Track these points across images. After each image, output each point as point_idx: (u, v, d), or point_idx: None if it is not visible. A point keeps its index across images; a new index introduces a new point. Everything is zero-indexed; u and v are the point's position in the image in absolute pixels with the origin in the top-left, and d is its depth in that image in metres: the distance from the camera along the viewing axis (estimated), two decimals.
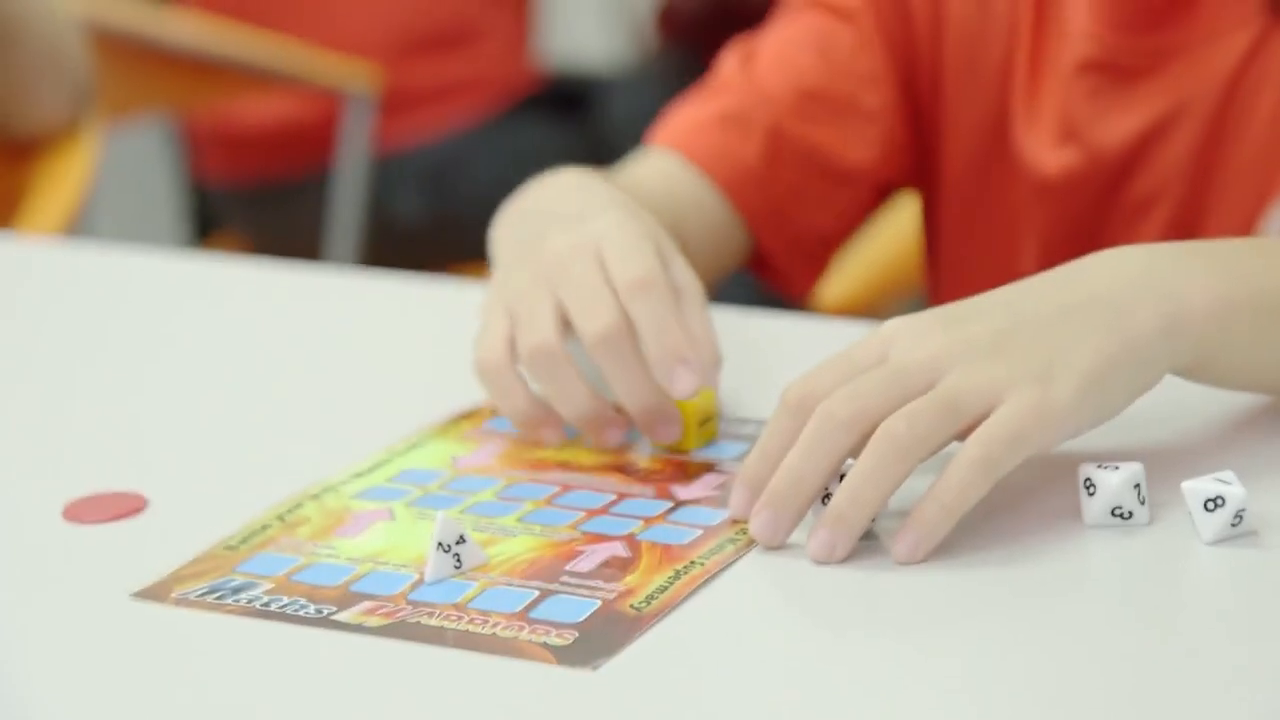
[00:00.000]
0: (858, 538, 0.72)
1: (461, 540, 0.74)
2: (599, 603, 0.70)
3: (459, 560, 0.73)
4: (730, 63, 1.09)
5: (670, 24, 3.15)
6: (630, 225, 0.85)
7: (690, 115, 1.08)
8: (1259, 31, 0.95)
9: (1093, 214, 1.02)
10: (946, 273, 1.12)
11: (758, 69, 1.07)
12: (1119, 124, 1.00)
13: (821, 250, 1.10)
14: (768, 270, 1.10)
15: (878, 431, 0.72)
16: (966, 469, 0.71)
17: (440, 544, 0.73)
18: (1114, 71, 0.99)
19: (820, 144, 1.06)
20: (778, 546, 0.73)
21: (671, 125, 1.09)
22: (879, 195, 1.10)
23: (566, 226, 0.86)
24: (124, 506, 0.82)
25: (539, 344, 0.82)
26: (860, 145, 1.06)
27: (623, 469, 0.82)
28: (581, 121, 2.41)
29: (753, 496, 0.74)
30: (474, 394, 0.92)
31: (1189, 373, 0.77)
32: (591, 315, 0.82)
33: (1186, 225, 0.99)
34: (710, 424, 0.84)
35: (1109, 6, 0.99)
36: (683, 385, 0.81)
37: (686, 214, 1.04)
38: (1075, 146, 1.01)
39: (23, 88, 1.61)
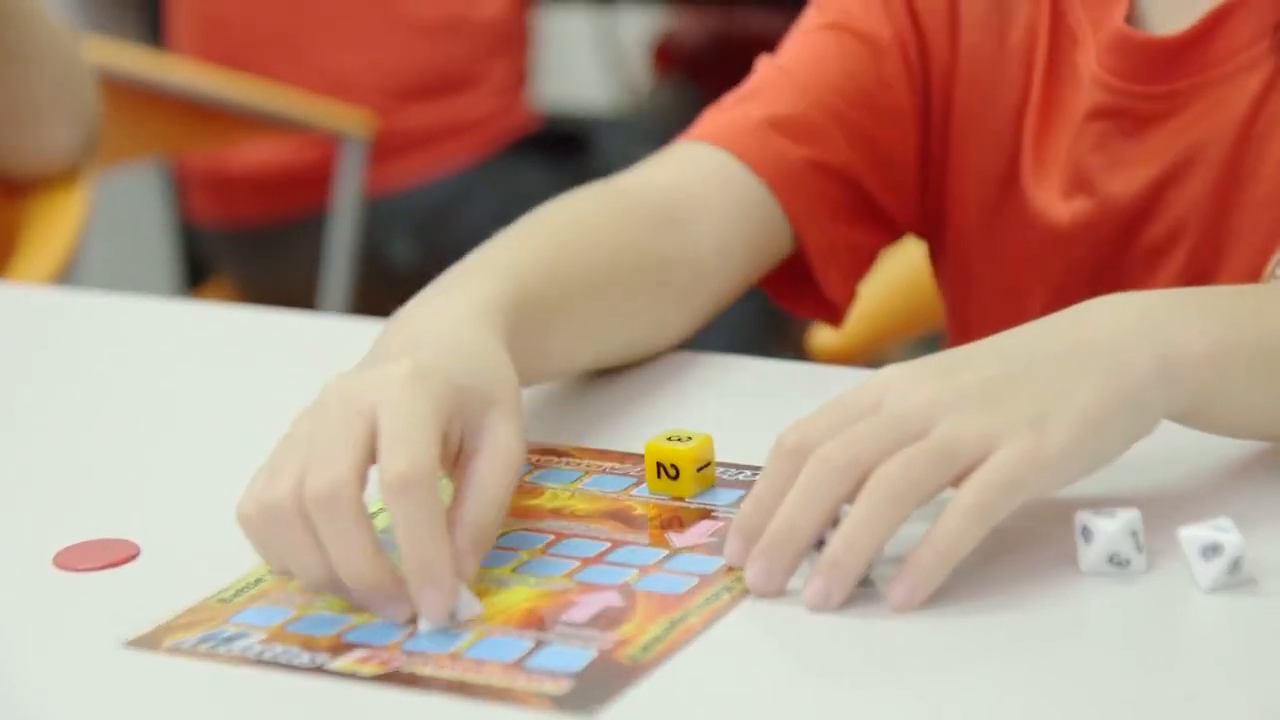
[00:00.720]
0: (853, 585, 0.72)
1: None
2: (595, 653, 0.70)
3: (454, 611, 0.73)
4: (766, 70, 1.07)
5: (668, 58, 3.16)
6: (417, 393, 0.75)
7: (736, 116, 1.06)
8: (1270, 73, 0.95)
9: (1105, 262, 1.02)
10: (954, 319, 1.11)
11: (797, 76, 1.05)
12: (1131, 173, 0.99)
13: (856, 265, 1.08)
14: (800, 280, 1.07)
15: (872, 478, 0.72)
16: (961, 516, 0.71)
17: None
18: (1125, 119, 0.99)
19: (854, 163, 1.05)
20: (774, 595, 0.73)
21: (715, 123, 1.06)
22: (892, 232, 1.09)
23: (358, 374, 0.79)
24: (115, 554, 0.82)
25: (271, 500, 0.74)
26: (879, 172, 1.06)
27: (618, 515, 0.82)
28: (575, 164, 2.41)
29: (748, 544, 0.74)
30: None
31: (1185, 418, 0.77)
32: (318, 477, 0.73)
33: (1201, 269, 0.99)
34: (707, 470, 0.84)
35: (1119, 53, 0.98)
36: (428, 607, 0.72)
37: (732, 210, 1.02)
38: (1086, 196, 1.01)
39: (34, 114, 1.61)
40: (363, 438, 0.74)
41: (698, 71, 3.10)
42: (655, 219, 1.01)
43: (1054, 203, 1.02)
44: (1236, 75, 0.96)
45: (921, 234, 1.11)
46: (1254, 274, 0.97)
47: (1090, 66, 0.99)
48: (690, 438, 0.83)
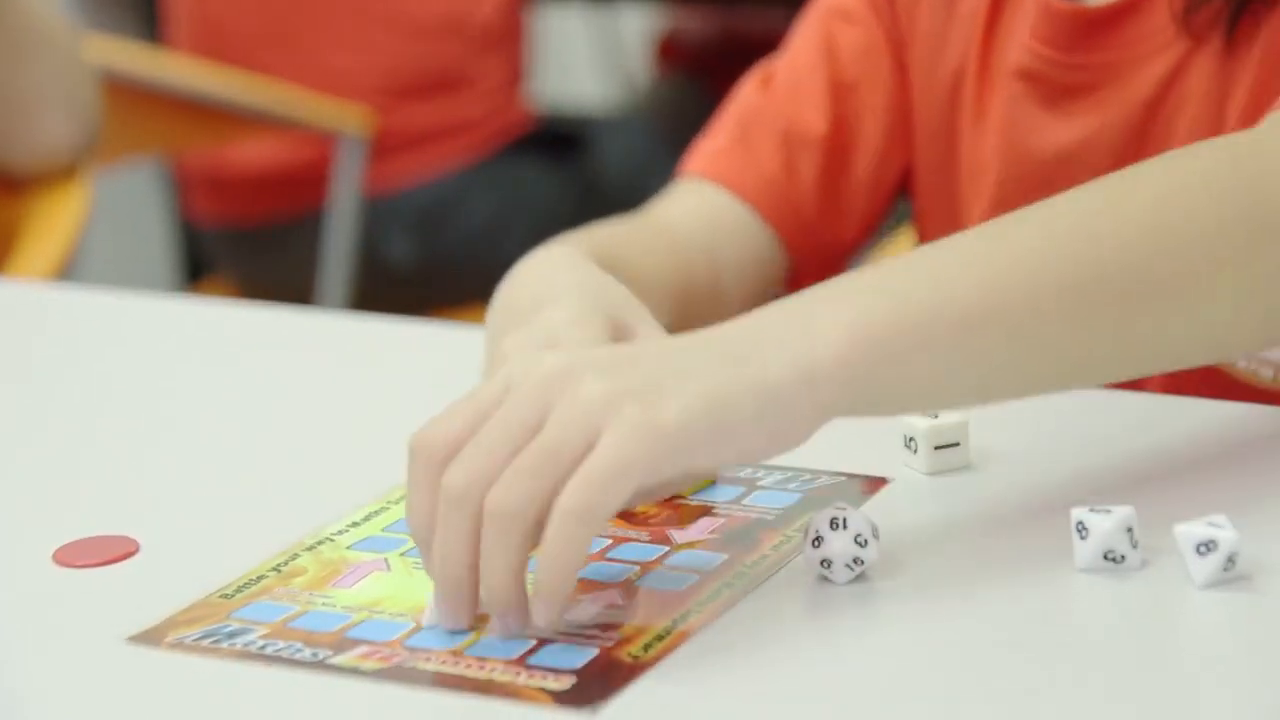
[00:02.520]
0: (518, 608, 0.70)
1: None
2: (597, 650, 0.70)
3: None
4: (748, 86, 1.13)
5: (671, 54, 3.17)
6: (583, 335, 0.80)
7: (712, 142, 1.12)
8: (1179, 56, 0.96)
9: None
10: None
11: (774, 87, 1.12)
12: (1045, 137, 1.01)
13: (840, 260, 1.13)
14: (796, 286, 1.11)
15: (485, 509, 0.69)
16: (561, 524, 0.68)
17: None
18: (1043, 85, 1.01)
19: (829, 137, 1.09)
20: (464, 628, 0.71)
21: (697, 155, 1.13)
22: (888, 196, 1.13)
23: (519, 332, 0.82)
24: (115, 551, 0.82)
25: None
26: (868, 142, 1.10)
27: (619, 513, 0.82)
28: (573, 163, 2.41)
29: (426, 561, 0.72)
30: None
31: (859, 412, 0.74)
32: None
33: None
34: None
35: (1043, 21, 1.01)
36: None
37: (721, 239, 1.08)
38: (1010, 153, 1.03)
39: (30, 108, 1.61)
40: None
41: (700, 69, 3.11)
42: (685, 248, 1.06)
43: (985, 163, 1.05)
44: (1149, 56, 0.97)
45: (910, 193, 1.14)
46: None
47: (1021, 30, 1.02)
48: None
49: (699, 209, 1.10)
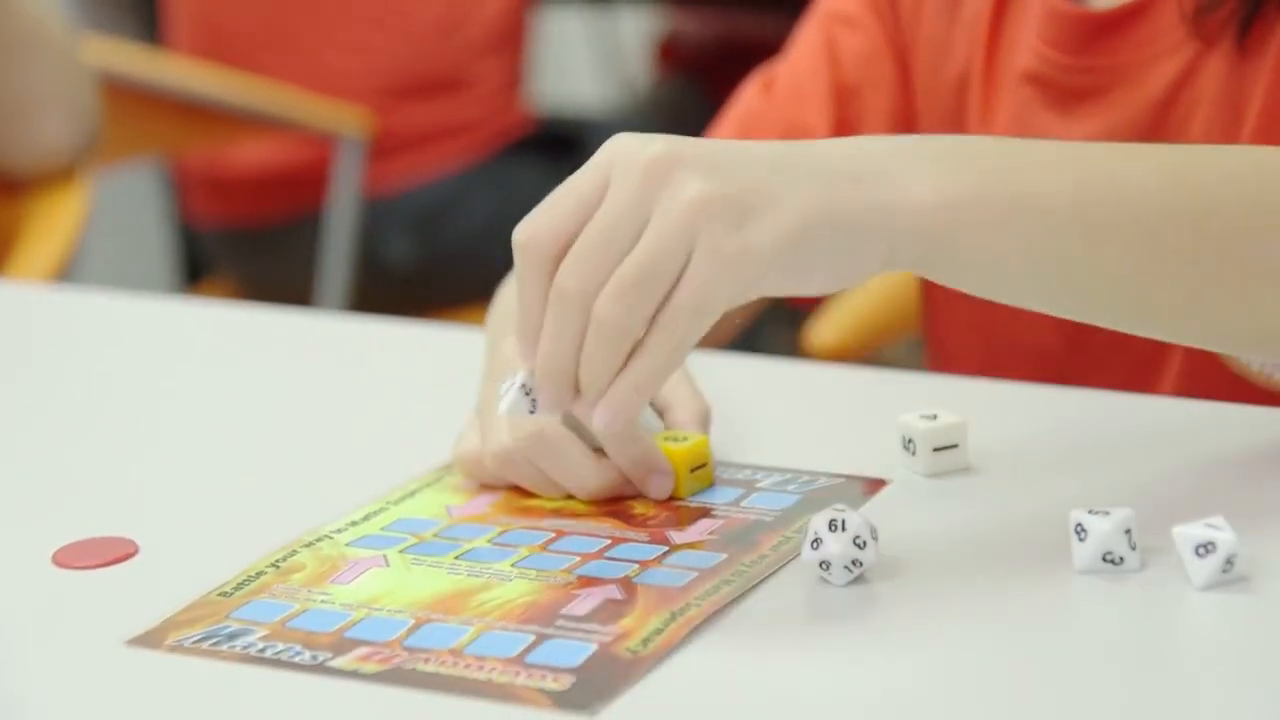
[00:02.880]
0: (627, 413, 0.73)
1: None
2: (595, 646, 0.70)
3: (534, 405, 0.75)
4: (750, 90, 1.13)
5: (671, 55, 3.17)
6: None
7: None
8: (1190, 58, 0.96)
9: None
10: (927, 291, 1.13)
11: (776, 90, 1.12)
12: (1057, 139, 1.01)
13: None
14: None
15: (591, 320, 0.72)
16: (655, 350, 0.72)
17: (523, 385, 0.75)
18: (1051, 88, 1.01)
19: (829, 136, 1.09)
20: (564, 409, 0.75)
21: None
22: None
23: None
24: (115, 552, 0.82)
25: (497, 451, 0.83)
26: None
27: (618, 515, 0.82)
28: (572, 164, 2.40)
29: (530, 348, 0.75)
30: None
31: (919, 266, 0.75)
32: (513, 428, 0.82)
33: None
34: (704, 470, 0.84)
35: (1050, 24, 1.01)
36: (657, 489, 0.82)
37: None
38: None
39: (26, 108, 1.61)
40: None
41: (700, 71, 3.11)
42: None
43: None
44: (1159, 57, 0.97)
45: None
46: None
47: (1028, 33, 1.02)
48: (685, 438, 0.84)
49: None
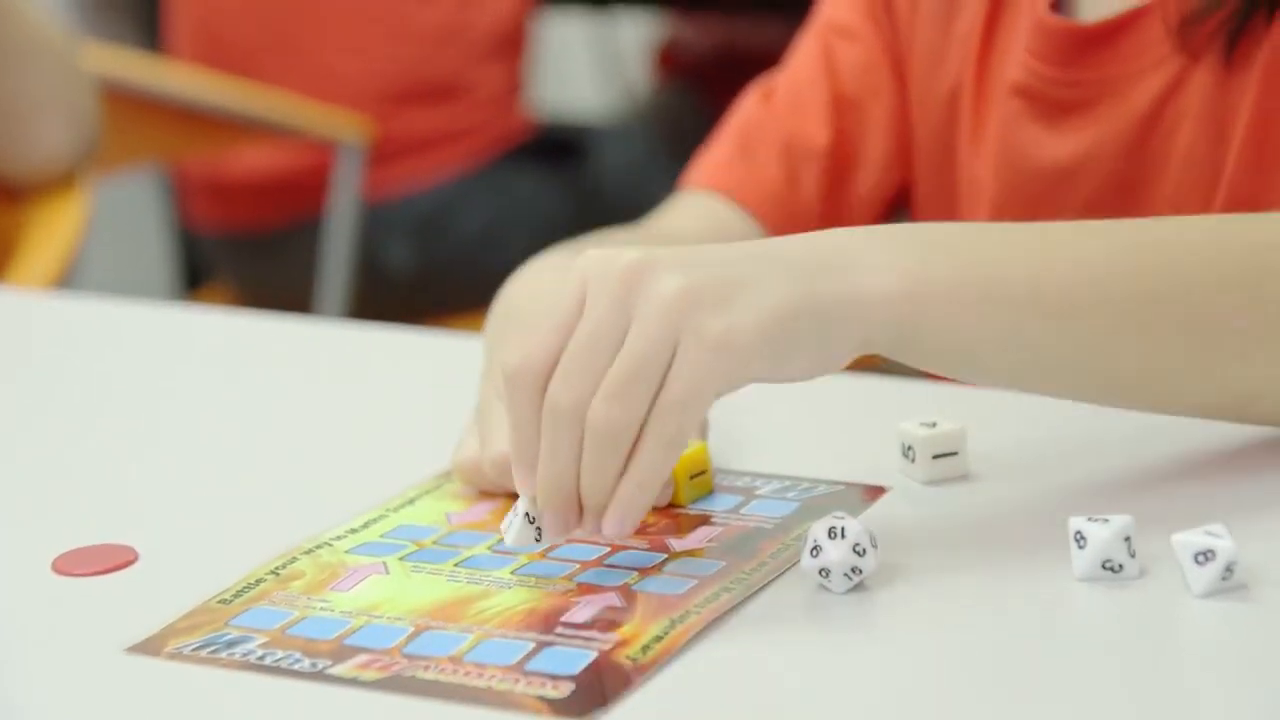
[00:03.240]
0: (637, 515, 0.74)
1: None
2: (595, 653, 0.70)
3: (539, 534, 0.76)
4: (749, 101, 1.14)
5: (670, 62, 3.17)
6: None
7: (714, 155, 1.13)
8: (1176, 71, 0.96)
9: None
10: None
11: (775, 100, 1.13)
12: (1043, 153, 1.01)
13: None
14: None
15: (587, 428, 0.73)
16: (652, 448, 0.73)
17: (527, 514, 0.76)
18: (1039, 101, 1.01)
19: (830, 149, 1.10)
20: (569, 535, 0.76)
21: (699, 167, 1.14)
22: (888, 210, 1.14)
23: (520, 334, 0.86)
24: (114, 559, 0.82)
25: (496, 457, 0.83)
26: (870, 156, 1.11)
27: None
28: (572, 171, 2.42)
29: (526, 473, 0.76)
30: None
31: (893, 351, 0.76)
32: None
33: None
34: (703, 478, 0.84)
35: (1038, 38, 1.01)
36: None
37: None
38: (1007, 170, 1.03)
39: (25, 114, 1.61)
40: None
41: (700, 78, 3.11)
42: None
43: (983, 180, 1.05)
44: (1145, 71, 0.97)
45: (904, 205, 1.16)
46: None
47: (1017, 46, 1.02)
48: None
49: (701, 218, 1.10)
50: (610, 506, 0.74)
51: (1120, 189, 0.99)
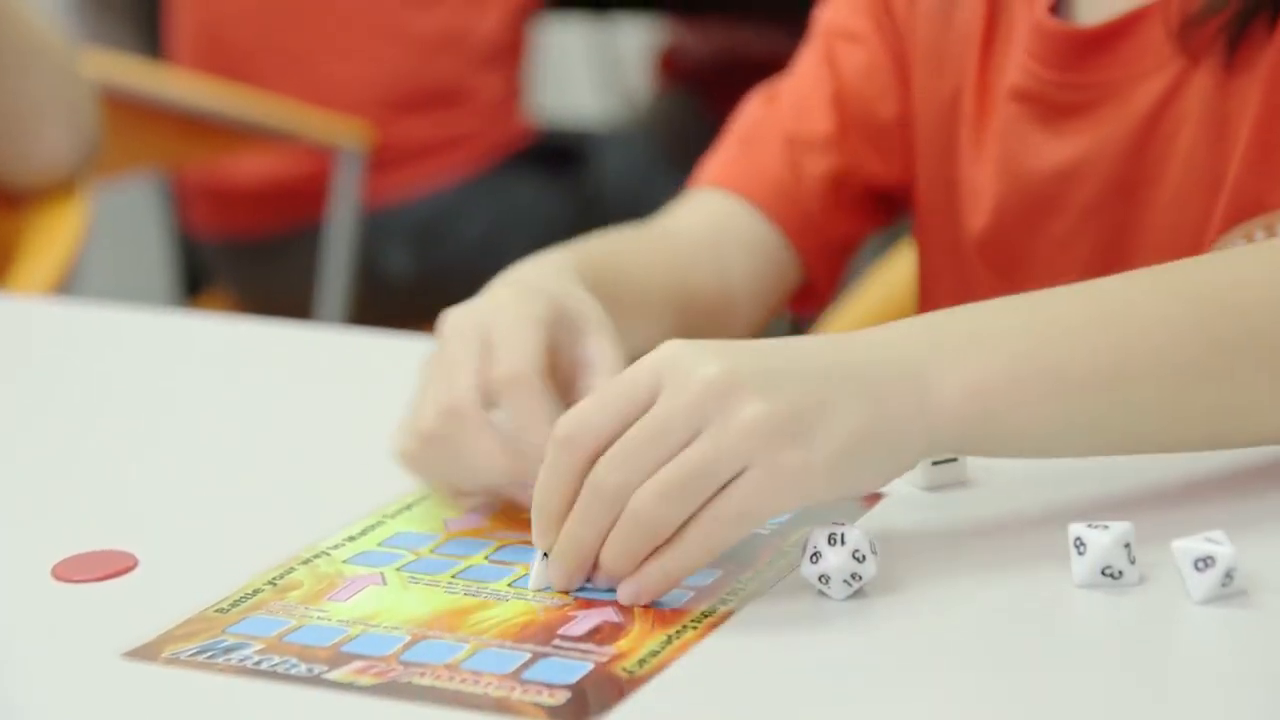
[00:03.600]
0: (649, 588, 0.74)
1: None
2: (592, 665, 0.70)
3: None
4: (753, 103, 1.15)
5: (672, 67, 3.17)
6: (522, 305, 0.85)
7: (718, 155, 1.14)
8: (1177, 74, 0.96)
9: (1016, 252, 1.04)
10: (925, 304, 1.13)
11: (779, 101, 1.13)
12: (1043, 156, 1.01)
13: (845, 257, 1.15)
14: (808, 286, 1.14)
15: (627, 508, 0.73)
16: (692, 544, 0.73)
17: (546, 554, 0.76)
18: (1040, 104, 1.01)
19: (832, 139, 1.11)
20: (574, 588, 0.76)
21: (704, 169, 1.14)
22: (890, 206, 1.14)
23: (468, 305, 0.87)
24: (114, 565, 0.82)
25: (421, 429, 0.83)
26: (873, 152, 1.11)
27: None
28: (571, 178, 2.42)
29: (545, 531, 0.76)
30: None
31: (959, 449, 0.78)
32: (440, 397, 0.83)
33: (1105, 267, 1.00)
34: None
35: (1039, 40, 1.01)
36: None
37: (728, 243, 1.10)
38: (1006, 176, 1.03)
39: (25, 121, 1.61)
40: (481, 350, 0.81)
41: (701, 84, 3.11)
42: (689, 255, 1.08)
43: (984, 185, 1.05)
44: (1145, 74, 0.97)
45: (907, 208, 1.16)
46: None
47: (1017, 49, 1.02)
48: None
49: (705, 215, 1.11)
50: (632, 579, 0.74)
51: (1120, 192, 0.99)
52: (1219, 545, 0.71)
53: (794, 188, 1.10)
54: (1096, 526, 0.73)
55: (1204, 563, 0.71)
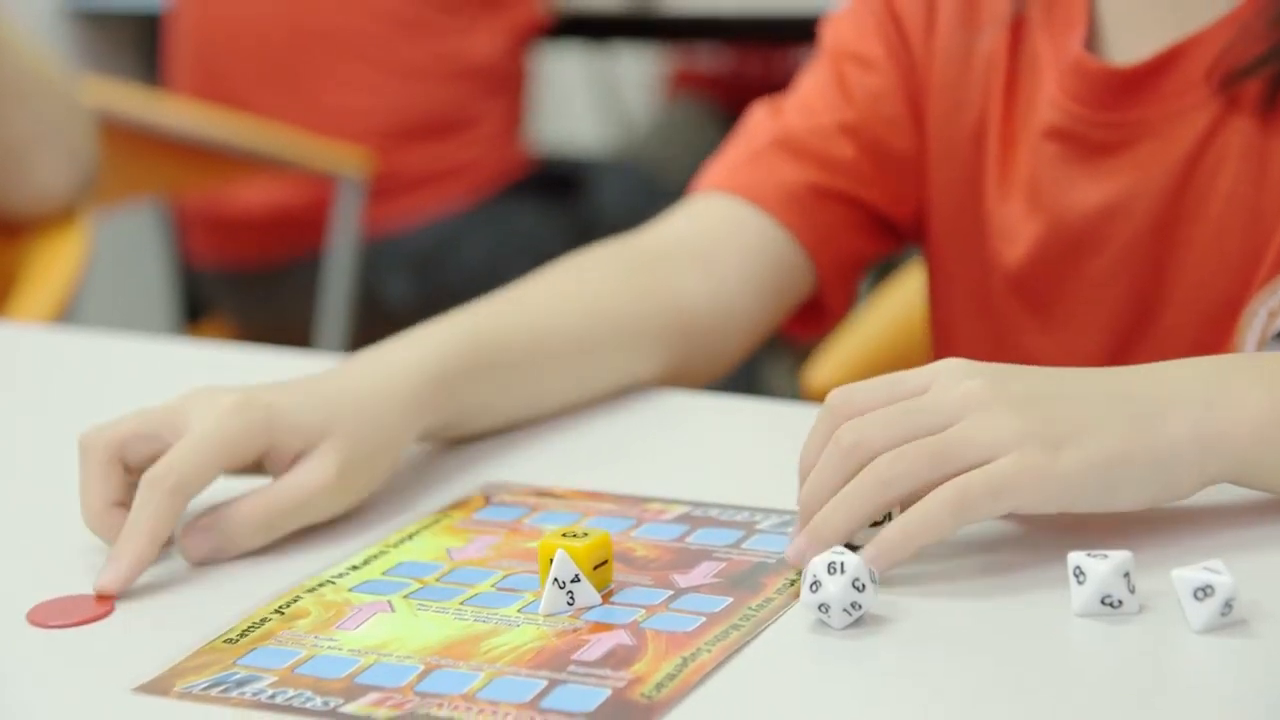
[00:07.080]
0: (825, 549, 0.75)
1: (576, 579, 0.77)
2: (609, 691, 0.70)
3: (572, 598, 0.76)
4: (758, 114, 1.14)
5: (686, 78, 3.19)
6: (225, 420, 0.87)
7: (729, 159, 1.12)
8: (1216, 113, 0.96)
9: (1052, 289, 1.04)
10: (940, 334, 1.13)
11: (787, 114, 1.12)
12: (1082, 195, 1.01)
13: (857, 275, 1.15)
14: (820, 297, 1.13)
15: (868, 469, 0.77)
16: (935, 505, 0.75)
17: (556, 580, 0.76)
18: (1077, 143, 1.01)
19: (851, 168, 1.10)
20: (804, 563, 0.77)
21: (712, 172, 1.13)
22: (895, 235, 1.13)
23: (214, 389, 0.91)
24: (97, 609, 0.81)
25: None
26: (885, 181, 1.10)
27: (619, 557, 0.82)
28: (571, 205, 2.42)
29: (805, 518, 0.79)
30: (463, 483, 0.93)
31: (1239, 481, 0.79)
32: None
33: (1144, 305, 1.01)
34: (605, 568, 0.80)
35: (1074, 79, 1.01)
36: (106, 574, 0.82)
37: (724, 249, 1.08)
38: (1042, 214, 1.03)
39: (24, 151, 1.61)
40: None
41: (717, 89, 3.13)
42: (676, 277, 1.06)
43: (1015, 223, 1.04)
44: (1185, 113, 0.97)
45: (916, 241, 1.14)
46: (1197, 311, 0.98)
47: (1050, 88, 1.02)
48: (586, 534, 0.79)
49: (702, 222, 1.09)
50: (873, 543, 0.76)
51: (1161, 230, 0.99)
52: (1218, 575, 0.72)
53: (809, 200, 1.09)
54: (1096, 555, 0.74)
55: (1203, 592, 0.71)
